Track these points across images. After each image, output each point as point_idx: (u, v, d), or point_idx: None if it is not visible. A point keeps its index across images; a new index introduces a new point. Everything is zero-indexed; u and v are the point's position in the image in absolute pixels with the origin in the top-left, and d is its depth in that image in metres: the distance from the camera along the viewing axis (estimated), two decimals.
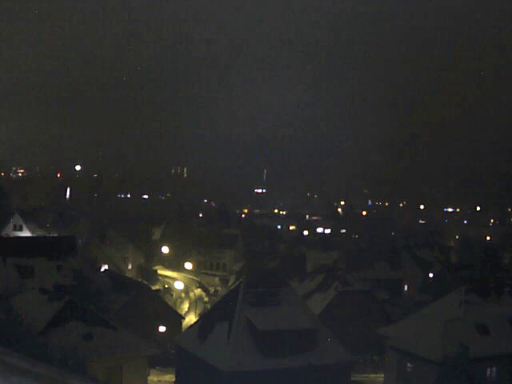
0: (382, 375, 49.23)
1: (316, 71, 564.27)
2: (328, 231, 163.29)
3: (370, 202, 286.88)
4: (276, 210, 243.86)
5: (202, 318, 48.96)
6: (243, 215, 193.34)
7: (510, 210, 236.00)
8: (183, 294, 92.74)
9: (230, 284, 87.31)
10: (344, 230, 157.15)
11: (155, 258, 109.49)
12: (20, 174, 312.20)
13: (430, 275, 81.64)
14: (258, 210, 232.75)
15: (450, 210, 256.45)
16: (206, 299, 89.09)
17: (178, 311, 70.22)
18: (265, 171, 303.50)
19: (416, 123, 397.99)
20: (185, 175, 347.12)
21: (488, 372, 42.61)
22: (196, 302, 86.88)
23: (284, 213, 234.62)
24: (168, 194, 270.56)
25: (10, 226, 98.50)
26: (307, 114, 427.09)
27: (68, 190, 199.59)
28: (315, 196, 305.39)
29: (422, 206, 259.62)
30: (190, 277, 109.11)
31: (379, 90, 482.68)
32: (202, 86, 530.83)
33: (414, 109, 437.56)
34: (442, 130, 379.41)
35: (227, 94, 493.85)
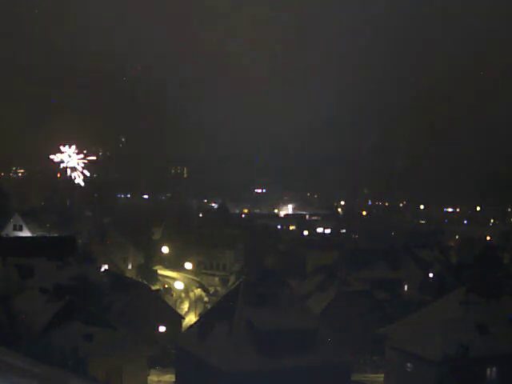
0: (382, 375, 49.25)
1: (315, 71, 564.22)
2: (328, 231, 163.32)
3: (370, 202, 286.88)
4: (276, 210, 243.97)
5: (202, 317, 48.96)
6: (243, 215, 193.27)
7: (509, 210, 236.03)
8: (183, 294, 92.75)
9: (229, 284, 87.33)
10: (344, 230, 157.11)
11: (155, 258, 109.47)
12: (20, 174, 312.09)
13: (430, 275, 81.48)
14: (258, 210, 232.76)
15: (449, 210, 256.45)
16: (206, 299, 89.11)
17: (178, 311, 70.21)
18: None
19: (416, 123, 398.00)
20: (185, 175, 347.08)
21: (488, 372, 42.63)
22: (196, 302, 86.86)
23: (284, 213, 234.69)
24: (168, 194, 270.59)
25: (10, 225, 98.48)
26: (307, 113, 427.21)
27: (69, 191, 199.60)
28: (315, 196, 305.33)
29: (422, 206, 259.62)
30: (190, 277, 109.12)
31: (378, 92, 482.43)
32: (202, 84, 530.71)
33: (413, 109, 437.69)
34: (442, 130, 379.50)
35: (227, 92, 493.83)
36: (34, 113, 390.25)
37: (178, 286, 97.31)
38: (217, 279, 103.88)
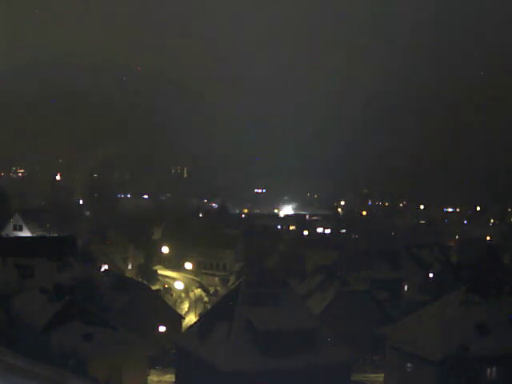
0: (382, 375, 49.22)
1: (316, 71, 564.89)
2: (328, 231, 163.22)
3: (370, 202, 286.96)
4: (276, 210, 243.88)
5: (202, 317, 48.93)
6: (243, 215, 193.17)
7: (510, 210, 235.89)
8: (183, 294, 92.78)
9: (229, 284, 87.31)
10: (344, 230, 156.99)
11: (155, 258, 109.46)
12: (20, 174, 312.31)
13: (430, 275, 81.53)
14: (258, 210, 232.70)
15: (450, 210, 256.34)
16: (205, 299, 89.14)
17: (178, 311, 70.22)
18: None
19: (416, 123, 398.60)
20: (185, 175, 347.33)
21: (488, 372, 42.60)
22: (196, 302, 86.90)
23: (284, 213, 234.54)
24: (168, 194, 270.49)
25: (10, 225, 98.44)
26: (307, 113, 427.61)
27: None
28: (315, 196, 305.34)
29: (422, 206, 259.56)
30: (190, 277, 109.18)
31: (378, 92, 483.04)
32: (202, 85, 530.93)
33: (413, 109, 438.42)
34: (442, 130, 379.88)
35: (226, 93, 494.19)
36: (33, 113, 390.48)
37: (178, 285, 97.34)
38: (217, 279, 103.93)
